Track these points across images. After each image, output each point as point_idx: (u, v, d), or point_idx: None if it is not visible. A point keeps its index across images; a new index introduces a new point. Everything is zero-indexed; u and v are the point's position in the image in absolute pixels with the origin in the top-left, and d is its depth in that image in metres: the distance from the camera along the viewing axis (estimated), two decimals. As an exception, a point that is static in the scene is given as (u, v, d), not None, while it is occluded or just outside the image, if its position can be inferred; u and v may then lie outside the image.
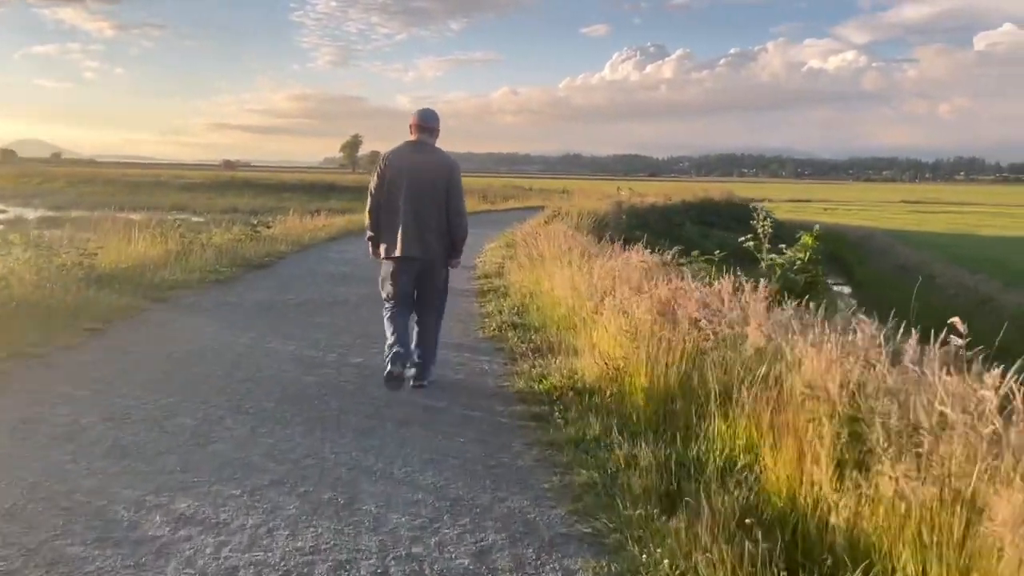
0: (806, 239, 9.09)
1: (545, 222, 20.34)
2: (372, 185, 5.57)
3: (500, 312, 8.37)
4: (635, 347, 5.34)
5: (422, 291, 5.58)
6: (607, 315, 6.05)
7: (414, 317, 5.66)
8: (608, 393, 5.09)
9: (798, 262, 8.38)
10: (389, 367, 5.13)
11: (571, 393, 5.23)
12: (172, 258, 11.03)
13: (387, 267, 5.55)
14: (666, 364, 4.86)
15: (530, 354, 6.39)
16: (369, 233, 5.64)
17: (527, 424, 4.76)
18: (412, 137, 5.53)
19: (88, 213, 41.36)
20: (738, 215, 40.99)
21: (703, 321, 5.16)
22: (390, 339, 5.35)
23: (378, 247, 5.59)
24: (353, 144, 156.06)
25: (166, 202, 47.63)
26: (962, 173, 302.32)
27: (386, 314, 5.53)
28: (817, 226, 9.53)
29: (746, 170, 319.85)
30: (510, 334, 7.26)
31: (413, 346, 5.51)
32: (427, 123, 5.53)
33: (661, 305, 5.59)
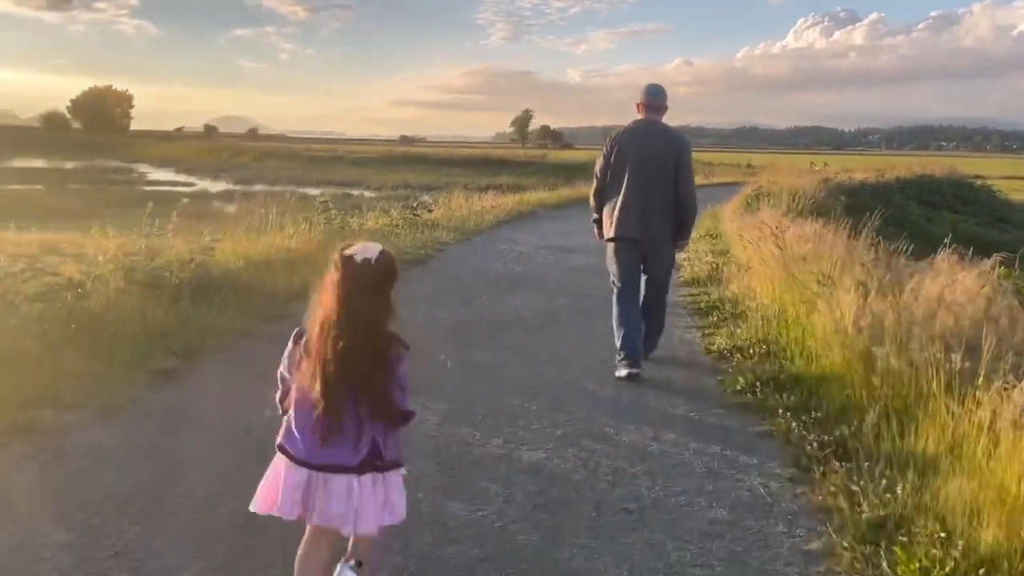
0: None
1: (748, 203, 17.17)
2: (597, 167, 5.37)
3: (739, 350, 5.66)
4: None
5: (649, 275, 5.41)
6: (1008, 411, 3.21)
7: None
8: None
9: None
10: (625, 372, 5.09)
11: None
12: (314, 250, 9.10)
13: (612, 248, 5.34)
14: None
15: (836, 462, 3.65)
16: (594, 216, 5.47)
17: None
18: (640, 116, 5.34)
19: (269, 187, 42.23)
20: (963, 195, 35.33)
21: None
22: (618, 341, 5.22)
23: (603, 228, 5.38)
24: (524, 119, 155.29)
25: (341, 176, 48.07)
26: None
27: (614, 300, 5.36)
28: None
29: (944, 143, 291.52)
30: (772, 400, 4.55)
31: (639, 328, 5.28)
32: (655, 101, 5.33)
33: None
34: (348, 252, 2.21)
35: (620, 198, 5.14)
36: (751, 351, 5.59)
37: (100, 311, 5.53)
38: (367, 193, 40.82)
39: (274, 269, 7.47)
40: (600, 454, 3.84)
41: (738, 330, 6.20)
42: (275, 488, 2.25)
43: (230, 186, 42.92)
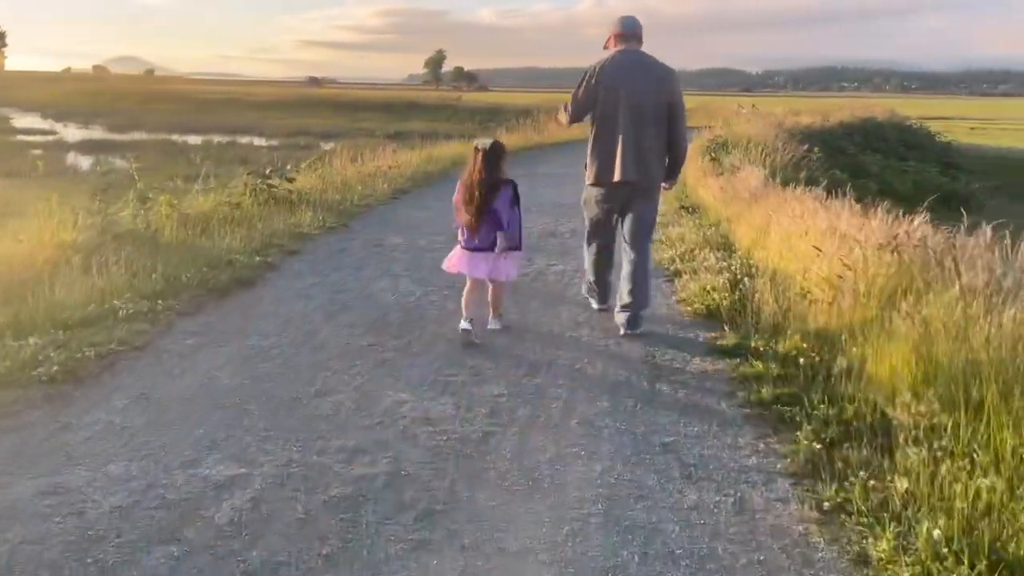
0: None
1: (712, 158, 13.64)
2: (579, 90, 4.80)
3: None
4: None
5: (634, 218, 4.88)
6: None
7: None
8: None
9: None
10: (596, 305, 5.26)
11: None
12: (49, 261, 5.17)
13: (595, 192, 4.95)
14: None
15: None
16: (562, 118, 5.06)
17: None
18: (616, 48, 4.88)
19: (147, 136, 36.55)
20: (907, 140, 32.86)
21: None
22: (590, 276, 5.25)
23: (586, 171, 4.96)
24: (437, 60, 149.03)
25: (234, 121, 42.87)
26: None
27: (587, 246, 5.17)
28: None
29: (846, 84, 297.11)
30: None
31: (624, 284, 4.84)
32: (633, 30, 4.91)
33: None
34: (477, 145, 4.59)
35: (610, 138, 4.77)
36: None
37: None
38: (258, 141, 35.75)
39: None
40: None
41: (914, 521, 2.60)
42: (456, 263, 4.73)
43: (103, 135, 37.19)
